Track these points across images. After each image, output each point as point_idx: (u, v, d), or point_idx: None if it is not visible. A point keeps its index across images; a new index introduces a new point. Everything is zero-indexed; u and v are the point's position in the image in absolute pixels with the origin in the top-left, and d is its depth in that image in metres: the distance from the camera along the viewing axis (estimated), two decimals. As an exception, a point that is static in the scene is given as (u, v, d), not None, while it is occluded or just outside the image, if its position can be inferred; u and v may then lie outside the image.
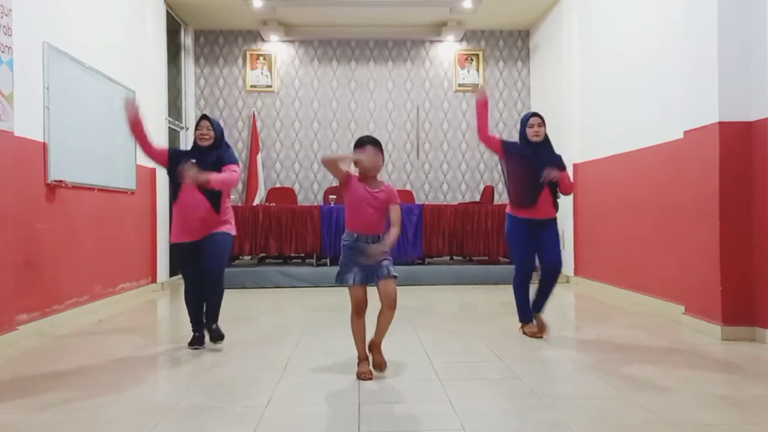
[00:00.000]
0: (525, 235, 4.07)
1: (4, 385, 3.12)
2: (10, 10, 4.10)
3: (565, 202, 7.39)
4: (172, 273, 7.52)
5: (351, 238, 3.17)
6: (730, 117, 4.09)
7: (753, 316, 4.03)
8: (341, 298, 5.95)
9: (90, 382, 3.15)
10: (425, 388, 2.98)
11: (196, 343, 3.88)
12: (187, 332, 3.97)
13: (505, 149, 4.17)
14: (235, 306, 5.52)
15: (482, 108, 4.14)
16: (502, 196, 8.96)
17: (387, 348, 3.30)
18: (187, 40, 8.62)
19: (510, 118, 9.09)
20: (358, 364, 3.21)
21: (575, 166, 7.22)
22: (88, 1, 5.48)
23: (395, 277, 3.16)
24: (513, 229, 4.13)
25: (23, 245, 4.30)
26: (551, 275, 4.13)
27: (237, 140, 8.89)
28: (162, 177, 7.10)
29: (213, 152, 3.84)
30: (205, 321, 3.91)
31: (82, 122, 5.23)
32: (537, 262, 4.19)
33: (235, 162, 3.92)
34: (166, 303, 6.20)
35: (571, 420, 2.50)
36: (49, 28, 4.75)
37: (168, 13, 7.64)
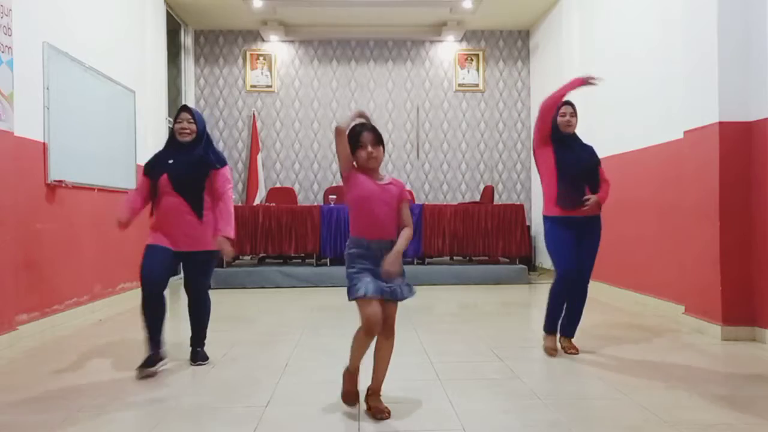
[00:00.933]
0: (570, 237, 3.60)
1: (4, 385, 3.12)
2: (10, 10, 4.10)
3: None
4: (172, 273, 7.51)
5: (360, 245, 2.56)
6: (730, 117, 4.09)
7: (753, 316, 4.03)
8: (341, 298, 5.92)
9: (90, 382, 3.15)
10: (425, 388, 2.98)
11: (150, 363, 3.27)
12: (187, 332, 3.72)
13: (555, 136, 3.66)
14: (235, 306, 5.52)
15: (575, 84, 3.68)
16: (502, 197, 8.97)
17: None
18: (187, 40, 8.62)
19: (510, 118, 9.09)
20: (345, 381, 2.68)
21: (575, 166, 7.21)
22: (88, 1, 5.47)
23: (402, 299, 2.59)
24: (551, 231, 3.65)
25: (23, 245, 4.30)
26: (582, 289, 3.73)
27: (237, 140, 8.89)
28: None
29: (194, 150, 3.35)
30: (191, 343, 3.61)
31: (82, 122, 5.23)
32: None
33: (224, 164, 3.45)
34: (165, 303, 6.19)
35: (571, 420, 2.50)
36: (49, 28, 4.75)
37: (168, 13, 7.64)
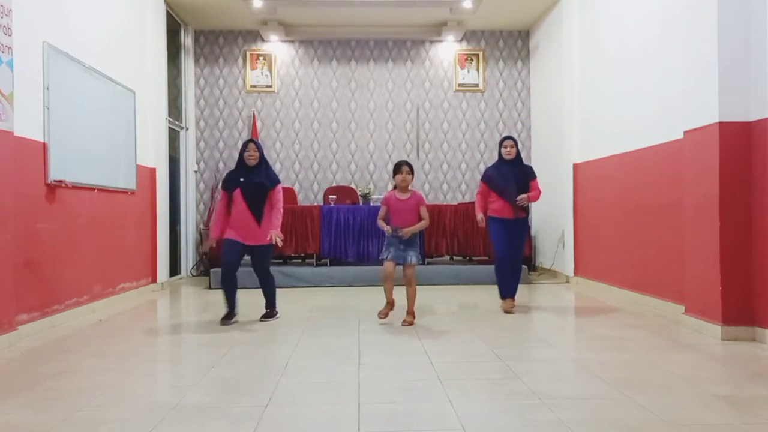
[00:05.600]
0: (503, 231, 5.12)
1: (4, 385, 3.12)
2: (10, 10, 4.10)
3: (565, 202, 7.40)
4: (172, 273, 7.52)
5: (393, 229, 4.50)
6: (730, 117, 4.09)
7: (753, 316, 4.02)
8: (341, 298, 5.93)
9: (90, 382, 3.15)
10: (425, 388, 2.98)
11: (227, 318, 4.66)
12: (187, 332, 3.97)
13: (489, 181, 5.25)
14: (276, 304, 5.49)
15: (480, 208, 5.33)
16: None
17: (388, 348, 3.42)
18: (187, 40, 8.62)
19: (510, 118, 9.09)
20: (385, 306, 4.60)
21: (575, 165, 7.22)
22: (88, 1, 5.48)
23: (413, 264, 4.51)
24: (493, 228, 5.19)
25: (23, 245, 4.30)
26: (515, 266, 5.27)
27: (237, 140, 8.89)
28: (162, 177, 7.11)
29: (259, 171, 4.67)
30: (265, 306, 4.94)
31: (82, 122, 5.23)
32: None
33: (278, 182, 4.79)
34: (166, 303, 6.20)
35: (571, 420, 2.50)
36: (49, 28, 4.75)
37: (168, 13, 7.64)
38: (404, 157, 8.98)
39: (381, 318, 4.58)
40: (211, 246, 4.89)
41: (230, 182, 4.70)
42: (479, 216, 5.22)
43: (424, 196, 9.04)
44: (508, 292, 5.22)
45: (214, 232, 4.77)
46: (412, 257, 4.49)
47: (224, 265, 4.66)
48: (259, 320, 4.80)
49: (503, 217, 5.11)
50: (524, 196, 5.06)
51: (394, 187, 4.66)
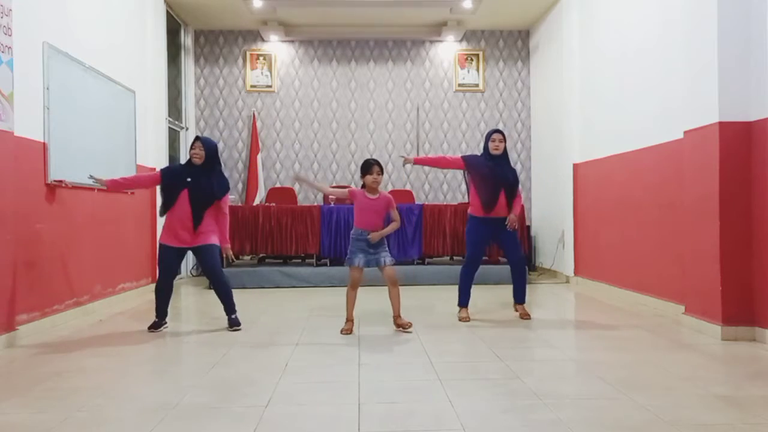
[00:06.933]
0: (484, 233, 4.78)
1: (4, 385, 3.12)
2: (10, 10, 4.10)
3: (565, 203, 7.40)
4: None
5: (357, 233, 4.30)
6: (730, 117, 4.09)
7: (753, 316, 4.03)
8: (341, 298, 5.94)
9: (90, 382, 3.15)
10: (425, 388, 2.98)
11: (156, 326, 4.49)
12: (187, 332, 3.98)
13: (468, 163, 4.78)
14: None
15: (424, 162, 5.03)
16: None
17: (388, 348, 3.42)
18: (187, 40, 8.62)
19: (510, 118, 9.09)
20: (345, 323, 4.33)
21: (575, 166, 7.22)
22: (88, 1, 5.47)
23: (391, 263, 4.32)
24: (474, 228, 4.79)
25: (23, 245, 4.29)
26: (520, 268, 4.88)
27: (237, 140, 8.89)
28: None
29: (208, 174, 4.40)
30: (225, 312, 4.56)
31: (82, 122, 5.23)
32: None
33: (228, 189, 4.55)
34: (166, 303, 6.19)
35: (571, 420, 2.50)
36: (49, 28, 4.75)
37: (168, 13, 7.64)
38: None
39: (345, 333, 4.27)
40: (94, 179, 4.49)
41: (175, 178, 4.40)
42: (412, 158, 4.78)
43: (424, 197, 9.23)
44: (467, 300, 4.89)
45: (114, 182, 4.50)
46: (386, 258, 4.30)
47: (163, 272, 4.48)
48: (229, 329, 4.50)
49: (486, 216, 4.68)
50: (513, 218, 4.69)
51: (362, 186, 4.40)
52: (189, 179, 4.35)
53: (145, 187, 4.39)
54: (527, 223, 7.97)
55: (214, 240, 4.46)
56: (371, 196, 4.33)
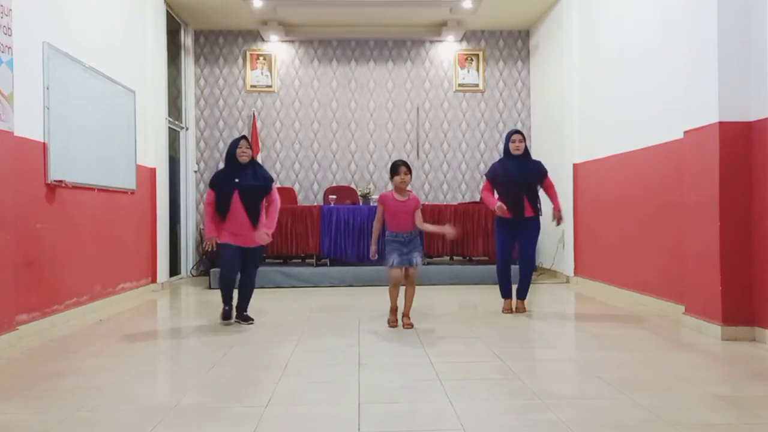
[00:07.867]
0: (509, 233, 5.04)
1: (4, 385, 3.12)
2: (10, 10, 4.10)
3: (565, 203, 7.39)
4: (172, 273, 7.52)
5: (392, 235, 4.46)
6: (730, 117, 4.09)
7: (753, 316, 4.02)
8: (341, 298, 5.92)
9: (90, 382, 3.15)
10: (425, 388, 2.98)
11: (227, 316, 4.67)
12: (187, 332, 3.96)
13: (491, 182, 5.13)
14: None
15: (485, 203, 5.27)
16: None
17: (388, 348, 3.44)
18: (187, 40, 8.62)
19: (510, 118, 9.09)
20: (390, 313, 4.57)
21: (575, 166, 7.22)
22: (88, 1, 5.48)
23: (418, 265, 4.47)
24: (499, 228, 5.11)
25: (23, 245, 4.30)
26: (529, 269, 5.14)
27: (237, 140, 8.87)
28: (162, 177, 7.11)
29: (253, 170, 4.60)
30: (236, 308, 4.72)
31: (82, 122, 5.23)
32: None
33: (272, 180, 4.73)
34: (166, 303, 6.20)
35: (571, 420, 2.50)
36: (49, 28, 4.75)
37: (168, 13, 7.64)
38: (404, 158, 8.99)
39: (393, 326, 4.49)
40: (211, 246, 4.67)
41: (223, 183, 4.56)
42: (496, 205, 4.92)
43: (424, 197, 9.23)
44: (508, 293, 5.17)
45: (210, 231, 4.59)
46: (418, 259, 4.44)
47: (226, 272, 4.62)
48: (238, 321, 4.70)
49: (507, 217, 4.96)
50: (557, 213, 5.03)
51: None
52: (237, 180, 4.52)
53: (217, 209, 4.57)
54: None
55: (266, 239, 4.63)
56: (400, 198, 4.45)
